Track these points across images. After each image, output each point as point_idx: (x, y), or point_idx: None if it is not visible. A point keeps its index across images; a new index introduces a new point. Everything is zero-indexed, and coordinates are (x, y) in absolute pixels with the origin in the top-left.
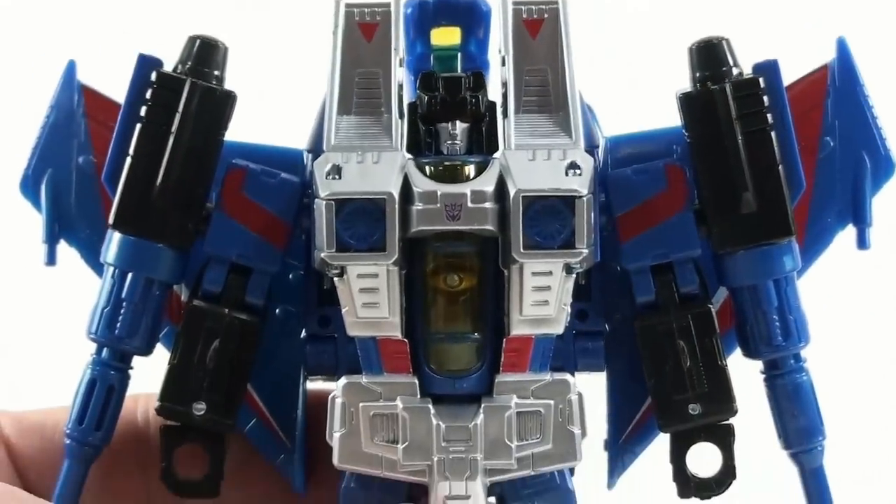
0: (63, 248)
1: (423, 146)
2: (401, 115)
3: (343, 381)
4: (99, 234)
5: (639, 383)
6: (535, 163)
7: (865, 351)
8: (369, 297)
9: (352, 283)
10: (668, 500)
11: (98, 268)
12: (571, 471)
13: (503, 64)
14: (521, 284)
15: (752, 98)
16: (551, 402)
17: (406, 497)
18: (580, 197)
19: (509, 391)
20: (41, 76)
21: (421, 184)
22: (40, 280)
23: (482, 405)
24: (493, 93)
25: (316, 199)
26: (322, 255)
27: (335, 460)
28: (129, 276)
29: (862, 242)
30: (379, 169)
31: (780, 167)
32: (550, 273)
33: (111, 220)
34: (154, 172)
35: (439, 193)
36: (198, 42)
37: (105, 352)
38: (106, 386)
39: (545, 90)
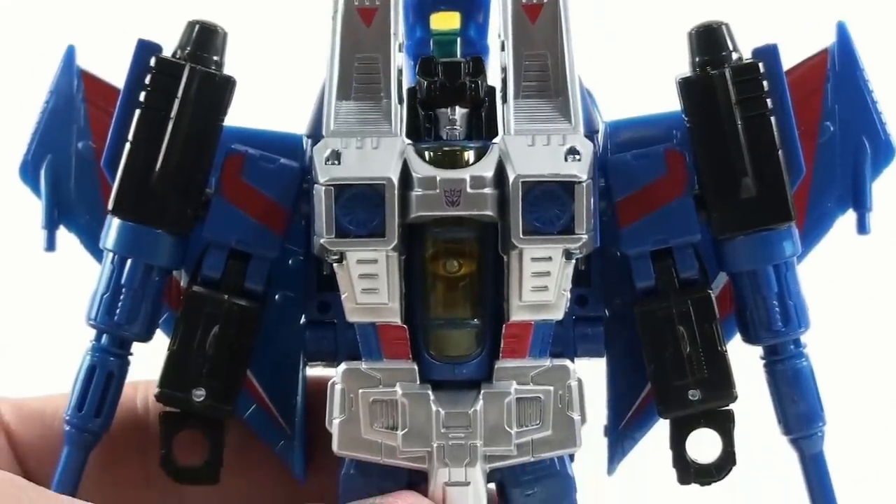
0: (62, 233)
1: (423, 131)
2: (400, 101)
3: (342, 367)
4: (98, 219)
5: (638, 369)
6: (535, 148)
7: (865, 336)
8: (369, 282)
9: (351, 268)
10: (668, 487)
11: (97, 254)
12: (571, 457)
13: (502, 49)
14: (521, 270)
15: (751, 83)
16: (551, 388)
17: (406, 483)
18: (579, 182)
19: (509, 377)
20: (40, 62)
21: (420, 169)
22: (39, 266)
23: (482, 391)
24: (493, 78)
25: (315, 185)
26: (321, 240)
27: (334, 447)
28: (129, 261)
29: (862, 227)
30: (378, 154)
31: (780, 152)
32: (550, 259)
33: (110, 205)
34: (153, 158)
35: (438, 179)
36: (197, 27)
37: (104, 338)
38: (105, 372)
39: (545, 75)
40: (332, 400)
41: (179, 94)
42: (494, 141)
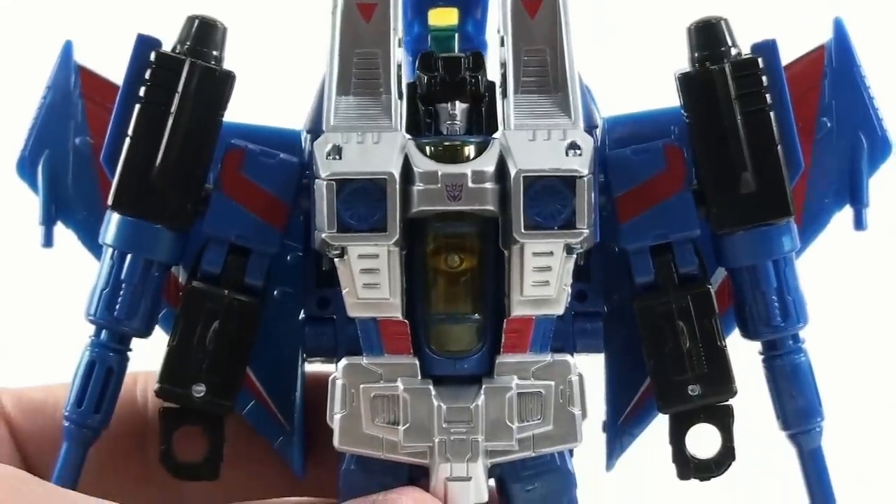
0: (60, 229)
1: (423, 126)
2: (400, 96)
3: (343, 362)
4: (96, 215)
5: (637, 365)
6: (536, 143)
7: (862, 332)
8: (370, 277)
9: (352, 263)
10: (666, 483)
11: (95, 249)
12: (570, 452)
13: (502, 44)
14: (522, 265)
15: (751, 78)
16: (552, 383)
17: (406, 479)
18: (581, 177)
19: (510, 372)
20: (37, 57)
21: (421, 164)
22: (37, 262)
23: (483, 386)
24: (492, 73)
25: (316, 180)
26: (323, 235)
27: (335, 442)
28: (129, 257)
29: (859, 223)
30: (379, 149)
31: (779, 147)
32: (551, 253)
33: (110, 200)
34: (153, 153)
35: (440, 174)
36: (196, 22)
37: (104, 334)
38: (105, 368)
39: (544, 70)
40: (333, 395)
41: (180, 88)
42: (494, 136)
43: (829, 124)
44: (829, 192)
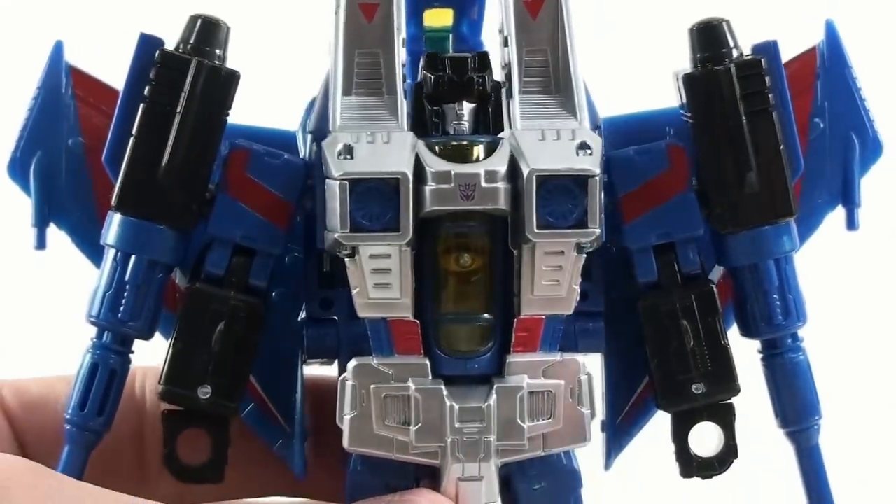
0: (53, 231)
1: (430, 126)
2: (405, 96)
3: (353, 362)
4: (90, 216)
5: (635, 365)
6: (546, 143)
7: (855, 331)
8: (381, 277)
9: (364, 263)
10: (664, 481)
11: (88, 251)
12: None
13: (505, 44)
14: (534, 264)
15: (754, 79)
16: (562, 382)
17: (413, 479)
18: (593, 176)
19: (520, 371)
20: (28, 58)
21: (434, 164)
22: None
23: (494, 386)
24: (497, 73)
25: (328, 180)
26: (335, 235)
27: (345, 443)
28: (132, 258)
29: (851, 223)
30: (390, 149)
31: (782, 147)
32: (562, 253)
33: (114, 201)
34: (159, 153)
35: (453, 173)
36: (200, 21)
37: (107, 336)
38: (108, 370)
39: (546, 71)
40: (342, 396)
41: (186, 88)
42: (501, 136)
43: (821, 125)
44: (822, 193)
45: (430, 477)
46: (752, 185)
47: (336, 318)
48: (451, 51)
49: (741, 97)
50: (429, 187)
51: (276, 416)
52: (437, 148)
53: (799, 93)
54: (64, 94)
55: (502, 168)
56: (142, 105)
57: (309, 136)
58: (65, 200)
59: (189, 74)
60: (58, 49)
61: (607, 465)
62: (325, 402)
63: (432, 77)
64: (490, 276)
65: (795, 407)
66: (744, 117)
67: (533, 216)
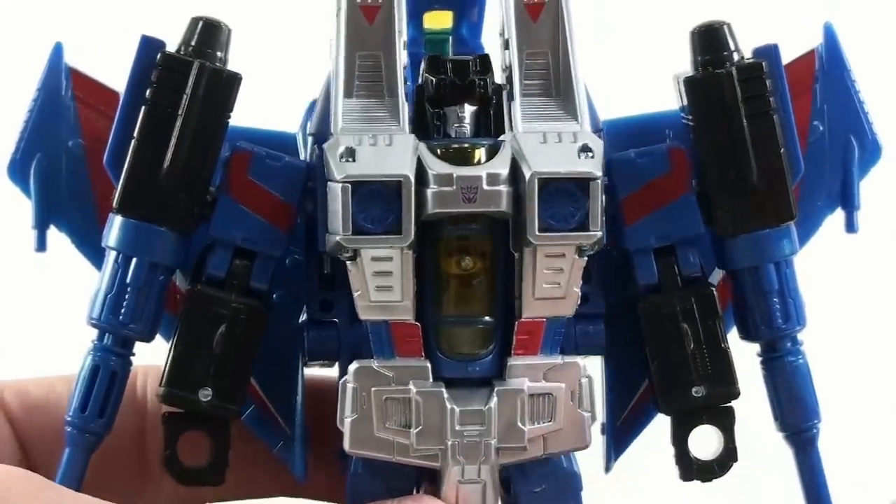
0: (53, 233)
1: (431, 129)
2: (406, 98)
3: (354, 365)
4: (89, 218)
5: (635, 367)
6: (547, 146)
7: (855, 334)
8: (383, 280)
9: (365, 266)
10: (664, 484)
11: (88, 252)
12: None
13: (506, 47)
14: (535, 267)
15: (756, 82)
16: (563, 385)
17: (414, 482)
18: (594, 179)
19: (521, 374)
20: (27, 60)
21: (435, 166)
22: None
23: (495, 389)
24: (498, 76)
25: (329, 182)
26: (337, 238)
27: (346, 446)
28: (134, 260)
29: (850, 226)
30: (392, 151)
31: (783, 151)
32: (563, 255)
33: (115, 203)
34: (161, 155)
35: (455, 176)
36: (201, 23)
37: (108, 338)
38: (109, 373)
39: (546, 74)
40: (343, 399)
41: (188, 91)
42: (502, 138)
43: (820, 128)
44: (821, 196)
45: (431, 479)
46: (753, 188)
47: (337, 320)
48: (450, 53)
49: (742, 100)
50: (431, 190)
51: (276, 419)
52: (438, 150)
53: (798, 95)
54: (64, 95)
55: (504, 171)
56: (143, 107)
57: (310, 139)
58: (65, 202)
59: (191, 77)
60: (57, 51)
61: (608, 468)
62: (326, 403)
63: (434, 80)
64: (491, 279)
65: (794, 410)
66: (745, 120)
67: (535, 219)
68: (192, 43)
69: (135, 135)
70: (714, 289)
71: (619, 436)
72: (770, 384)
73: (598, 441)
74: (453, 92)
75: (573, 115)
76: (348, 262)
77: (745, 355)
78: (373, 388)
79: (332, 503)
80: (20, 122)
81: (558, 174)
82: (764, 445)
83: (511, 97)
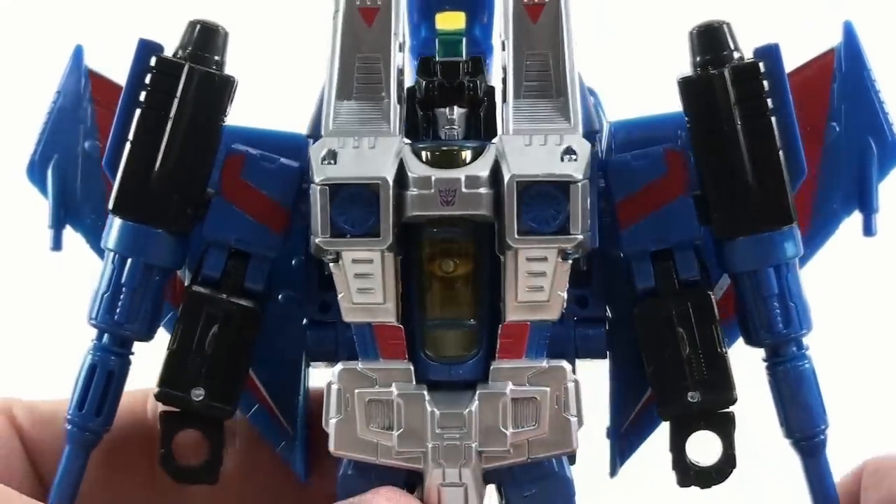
0: (69, 233)
1: (421, 131)
2: (399, 101)
3: (339, 367)
4: (104, 219)
5: (642, 371)
6: (531, 148)
7: (870, 339)
8: (364, 282)
9: (347, 268)
10: (671, 490)
11: (103, 253)
12: (573, 459)
13: (503, 49)
14: (516, 270)
15: (751, 83)
16: (547, 389)
17: (403, 483)
18: (574, 182)
19: (505, 378)
20: (46, 61)
21: (416, 169)
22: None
23: (477, 392)
24: (497, 78)
25: (311, 185)
26: (317, 240)
27: (331, 447)
28: (129, 261)
29: (868, 229)
30: (374, 154)
31: (781, 153)
32: (545, 259)
33: (110, 205)
34: (153, 157)
35: (433, 178)
36: (198, 27)
37: (105, 337)
38: (106, 371)
39: (545, 75)
40: (328, 400)
41: (178, 93)
42: (494, 141)
43: (837, 129)
44: (838, 198)
45: (422, 480)
46: (747, 191)
47: (335, 321)
48: (464, 54)
49: (736, 101)
50: (410, 192)
51: (279, 418)
52: (424, 153)
53: (815, 96)
54: (82, 97)
55: (484, 173)
56: (138, 110)
57: (310, 141)
58: (81, 202)
59: (181, 79)
60: (78, 53)
61: (613, 473)
62: None
63: (424, 82)
64: (475, 282)
65: (799, 416)
66: (739, 122)
67: (514, 222)
68: (189, 46)
69: (129, 137)
70: (711, 293)
71: (626, 440)
72: (775, 389)
73: (604, 445)
74: (442, 94)
75: (567, 117)
76: (332, 265)
77: (749, 360)
78: (356, 390)
79: None
80: (39, 124)
81: (536, 176)
82: (773, 451)
83: (504, 99)
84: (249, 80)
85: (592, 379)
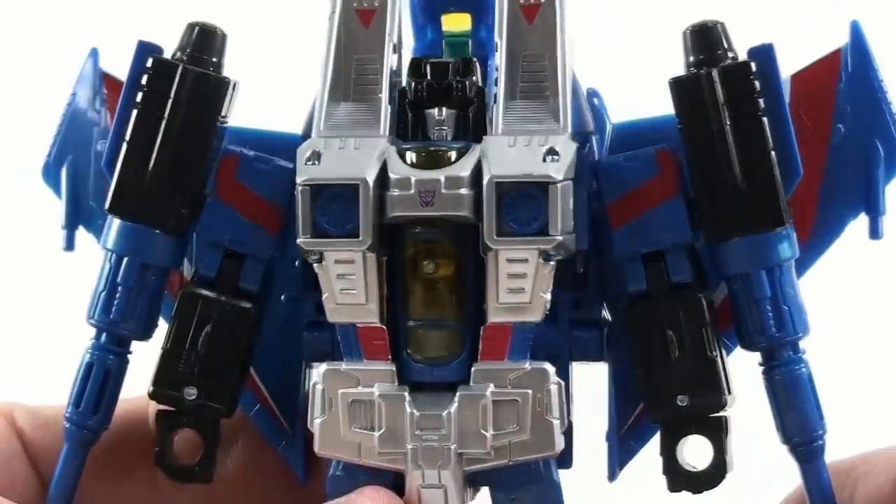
0: (81, 233)
1: (411, 132)
2: (390, 102)
3: (323, 367)
4: None
5: None
6: (514, 148)
7: (874, 343)
8: (346, 283)
9: (330, 269)
10: (671, 495)
11: None
12: (570, 463)
13: (497, 49)
14: (497, 271)
15: (742, 83)
16: (529, 391)
17: (391, 483)
18: (554, 183)
19: (487, 380)
20: (60, 64)
21: (397, 170)
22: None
23: (458, 393)
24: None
25: (296, 185)
26: (299, 240)
27: (315, 447)
28: (125, 260)
29: (875, 232)
30: (358, 155)
31: (773, 154)
32: (526, 260)
33: (106, 205)
34: (147, 158)
35: (413, 180)
36: (196, 29)
37: (103, 336)
38: (103, 370)
39: (540, 76)
40: (313, 400)
41: (171, 94)
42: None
43: (843, 130)
44: (844, 200)
45: None
46: (737, 193)
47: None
48: (470, 55)
49: (726, 101)
50: (391, 193)
51: (279, 418)
52: (409, 154)
53: (820, 97)
54: (96, 99)
55: (465, 174)
56: (134, 111)
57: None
58: (93, 204)
59: (175, 80)
60: (93, 56)
61: (612, 476)
62: None
63: (413, 82)
64: (459, 283)
65: (795, 421)
66: (728, 123)
67: (493, 223)
68: (187, 48)
69: (126, 138)
70: (703, 296)
71: (625, 443)
72: (770, 394)
73: (603, 449)
74: (431, 94)
75: (557, 118)
76: (315, 265)
77: (749, 363)
78: (340, 391)
79: None
80: (54, 126)
81: (515, 177)
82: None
83: (495, 100)
84: (249, 81)
85: (592, 382)
